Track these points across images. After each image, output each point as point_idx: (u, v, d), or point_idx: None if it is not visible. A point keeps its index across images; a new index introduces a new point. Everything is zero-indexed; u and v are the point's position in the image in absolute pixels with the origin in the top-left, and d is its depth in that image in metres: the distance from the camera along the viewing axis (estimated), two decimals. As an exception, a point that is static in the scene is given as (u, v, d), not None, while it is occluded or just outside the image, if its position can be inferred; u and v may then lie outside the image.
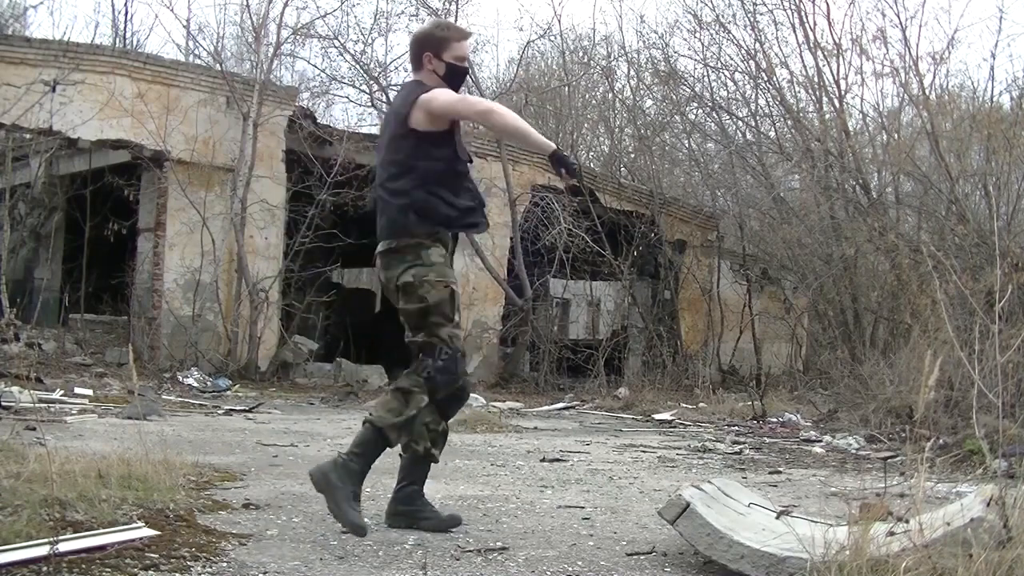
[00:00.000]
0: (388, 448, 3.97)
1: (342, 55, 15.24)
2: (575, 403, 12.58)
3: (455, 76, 4.05)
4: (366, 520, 4.09)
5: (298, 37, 15.08)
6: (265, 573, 3.19)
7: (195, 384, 11.52)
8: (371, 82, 15.13)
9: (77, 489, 3.82)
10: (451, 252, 4.17)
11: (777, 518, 3.67)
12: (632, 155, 19.99)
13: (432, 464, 4.08)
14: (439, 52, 4.01)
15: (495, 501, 4.72)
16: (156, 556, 3.25)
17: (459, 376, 3.99)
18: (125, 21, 28.06)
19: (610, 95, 19.69)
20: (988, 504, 3.01)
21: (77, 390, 9.71)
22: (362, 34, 15.80)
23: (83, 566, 3.06)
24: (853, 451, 7.90)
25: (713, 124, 16.61)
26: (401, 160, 3.98)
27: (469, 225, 4.17)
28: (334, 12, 17.17)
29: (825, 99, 13.57)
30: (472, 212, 4.05)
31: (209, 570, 3.18)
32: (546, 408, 12.03)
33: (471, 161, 4.12)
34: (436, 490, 5.04)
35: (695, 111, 17.16)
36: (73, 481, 3.91)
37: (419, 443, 4.00)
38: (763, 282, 17.36)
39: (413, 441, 4.00)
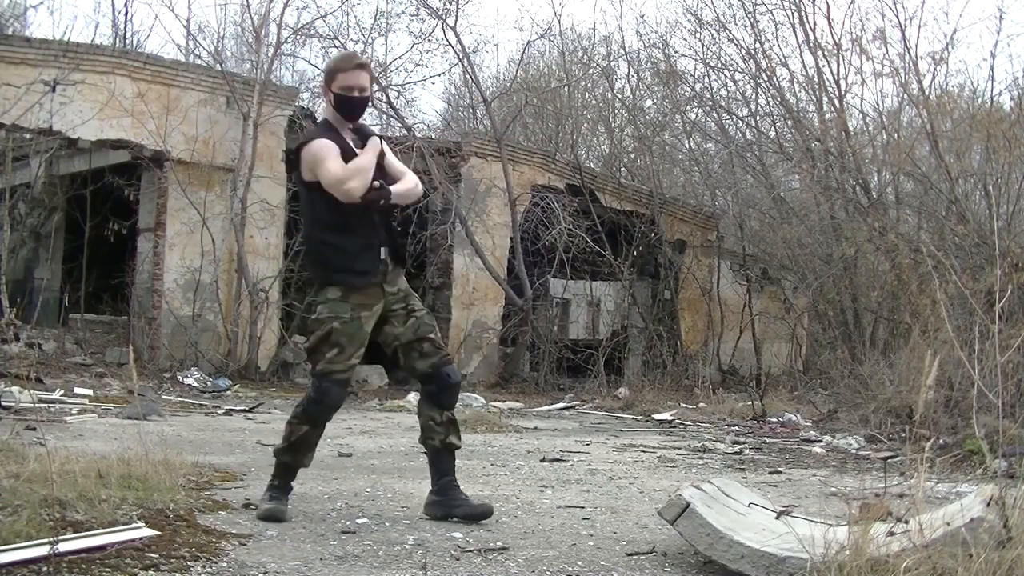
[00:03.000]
0: (288, 466, 4.24)
1: (342, 55, 15.21)
2: (575, 403, 12.58)
3: (343, 105, 4.21)
4: (365, 520, 4.14)
5: (298, 37, 15.08)
6: (265, 573, 3.19)
7: (195, 384, 11.52)
8: (371, 82, 15.11)
9: (77, 489, 3.82)
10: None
11: (777, 518, 3.67)
12: (632, 155, 19.98)
13: (456, 451, 4.30)
14: (328, 83, 4.25)
15: (495, 501, 4.72)
16: (156, 556, 3.25)
17: (327, 406, 4.19)
18: (125, 21, 28.04)
19: (610, 95, 19.69)
20: (988, 504, 3.01)
21: (77, 390, 9.71)
22: (362, 34, 15.79)
23: (83, 566, 3.06)
24: (853, 451, 7.91)
25: (713, 124, 16.61)
26: (301, 210, 4.41)
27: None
28: (334, 12, 17.22)
29: (825, 99, 13.58)
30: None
31: (209, 570, 3.18)
32: (546, 408, 12.02)
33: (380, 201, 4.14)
34: (436, 490, 5.05)
35: (695, 111, 17.17)
36: (73, 481, 3.91)
37: (433, 438, 4.27)
38: (763, 282, 17.36)
39: (428, 439, 4.28)
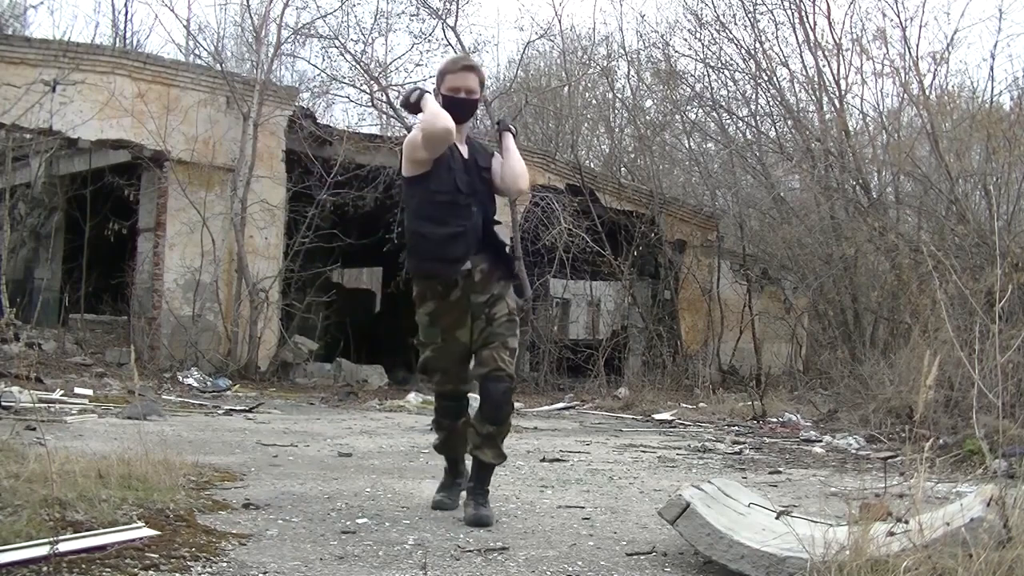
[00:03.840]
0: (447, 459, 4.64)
1: (342, 55, 15.24)
2: (575, 403, 12.58)
3: (449, 107, 4.15)
4: (365, 520, 4.14)
5: (298, 37, 15.09)
6: (265, 573, 3.19)
7: (195, 384, 11.52)
8: (371, 82, 15.13)
9: (77, 489, 3.82)
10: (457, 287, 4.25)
11: (777, 518, 3.67)
12: (632, 155, 19.99)
13: (491, 465, 4.34)
14: (438, 85, 4.26)
15: (495, 501, 4.71)
16: (156, 556, 3.25)
17: (451, 416, 4.49)
18: (125, 21, 28.10)
19: (610, 95, 19.70)
20: (988, 504, 3.01)
21: (77, 390, 9.71)
22: (362, 34, 15.79)
23: (83, 566, 3.06)
24: (853, 451, 7.90)
25: (713, 124, 16.61)
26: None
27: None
28: (334, 12, 17.20)
29: (825, 99, 13.58)
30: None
31: (209, 570, 3.18)
32: (546, 408, 12.02)
33: (462, 192, 4.17)
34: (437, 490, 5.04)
35: (695, 111, 17.17)
36: (73, 481, 3.91)
37: (470, 442, 4.36)
38: (763, 282, 17.36)
39: (468, 441, 4.41)
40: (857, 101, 18.33)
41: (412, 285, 4.37)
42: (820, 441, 8.58)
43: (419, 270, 4.28)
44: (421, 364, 4.43)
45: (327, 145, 14.04)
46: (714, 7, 15.09)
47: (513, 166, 4.33)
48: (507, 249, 4.45)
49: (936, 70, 12.67)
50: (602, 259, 15.38)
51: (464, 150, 4.26)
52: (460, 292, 4.18)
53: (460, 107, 4.19)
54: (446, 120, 4.00)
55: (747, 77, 15.28)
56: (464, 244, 4.14)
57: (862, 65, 16.72)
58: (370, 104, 16.09)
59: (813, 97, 14.07)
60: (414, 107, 4.12)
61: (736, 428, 9.99)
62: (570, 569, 3.44)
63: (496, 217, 4.40)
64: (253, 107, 13.17)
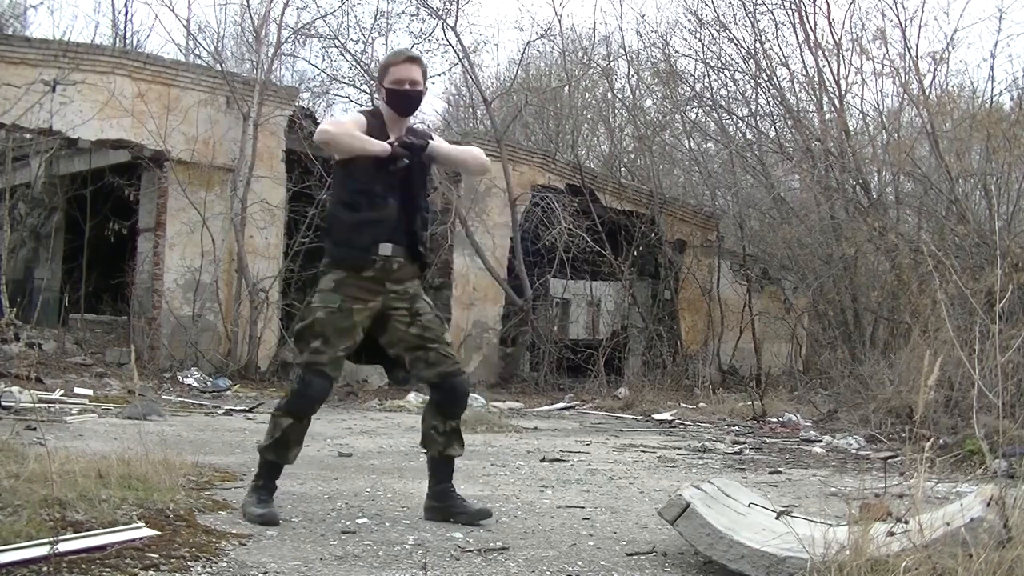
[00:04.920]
0: (273, 465, 4.16)
1: (342, 55, 15.26)
2: (575, 403, 12.58)
3: (393, 99, 4.16)
4: (365, 520, 4.14)
5: (298, 37, 15.11)
6: (265, 573, 3.19)
7: (195, 384, 11.52)
8: (371, 82, 15.12)
9: (77, 489, 3.82)
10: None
11: (777, 518, 3.67)
12: (632, 155, 19.98)
13: (455, 458, 4.28)
14: (381, 79, 4.22)
15: (495, 501, 4.72)
16: (156, 556, 3.25)
17: (310, 398, 4.09)
18: (125, 21, 28.08)
19: (610, 95, 19.69)
20: (988, 504, 3.01)
21: (77, 390, 9.71)
22: (362, 34, 15.86)
23: (83, 566, 3.06)
24: (853, 451, 7.91)
25: (713, 124, 16.61)
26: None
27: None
28: (334, 12, 17.20)
29: (825, 99, 13.57)
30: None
31: (209, 570, 3.18)
32: (546, 408, 12.02)
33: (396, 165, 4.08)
34: (436, 490, 5.05)
35: (695, 111, 17.17)
36: (73, 481, 3.90)
37: (431, 448, 4.25)
38: (763, 282, 17.36)
39: (427, 447, 4.28)
40: (857, 101, 18.34)
41: (323, 266, 4.22)
42: (820, 441, 8.58)
43: (330, 254, 4.18)
44: (301, 327, 4.12)
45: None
46: (714, 7, 15.11)
47: (460, 153, 4.40)
48: (424, 246, 4.26)
49: (936, 70, 12.68)
50: (602, 259, 15.38)
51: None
52: (373, 274, 4.09)
53: (405, 99, 4.17)
54: (349, 142, 3.98)
55: (747, 77, 15.29)
56: (372, 234, 4.08)
57: (862, 65, 16.76)
58: (370, 104, 16.08)
59: (813, 97, 14.08)
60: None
61: (736, 428, 9.99)
62: (570, 569, 3.44)
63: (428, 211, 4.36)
64: (253, 107, 13.17)
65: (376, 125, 4.14)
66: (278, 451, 4.11)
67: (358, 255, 4.09)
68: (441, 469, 4.25)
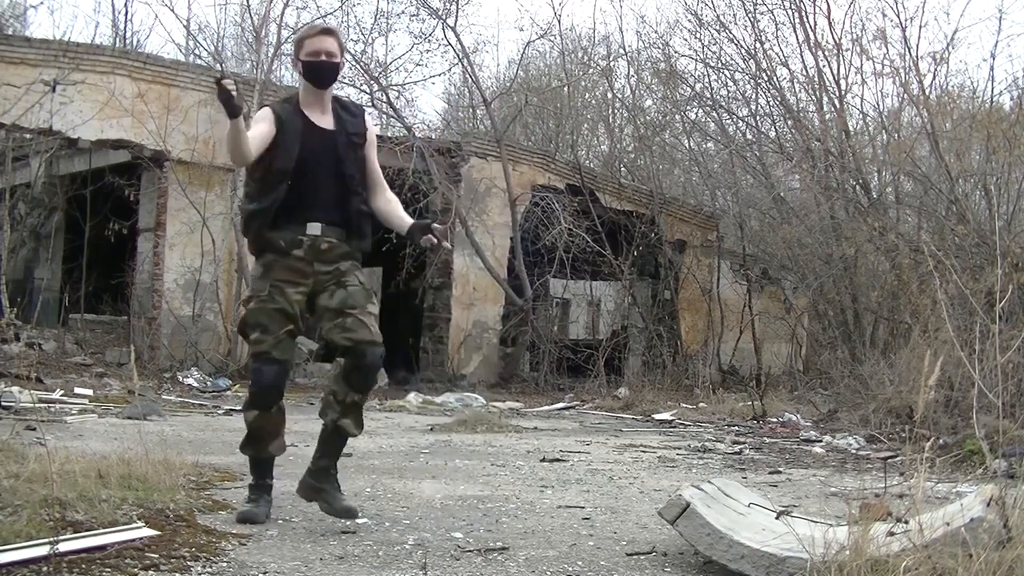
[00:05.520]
0: (255, 460, 4.17)
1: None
2: (575, 403, 12.58)
3: (309, 72, 4.08)
4: (365, 520, 4.14)
5: (298, 37, 15.07)
6: (265, 573, 3.19)
7: (195, 384, 11.52)
8: (371, 82, 15.13)
9: (77, 489, 3.82)
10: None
11: (777, 518, 3.67)
12: (632, 155, 19.98)
13: (348, 437, 4.11)
14: (297, 54, 4.13)
15: (495, 501, 4.72)
16: (156, 556, 3.25)
17: (266, 386, 4.05)
18: (125, 21, 28.09)
19: (610, 95, 19.70)
20: (988, 504, 3.01)
21: (77, 390, 9.71)
22: (362, 34, 15.79)
23: (83, 566, 3.06)
24: (853, 451, 7.90)
25: (713, 124, 16.61)
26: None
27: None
28: (334, 12, 17.16)
29: (825, 99, 13.58)
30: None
31: (209, 570, 3.18)
32: (546, 408, 12.02)
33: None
34: (436, 490, 5.05)
35: (695, 111, 17.16)
36: (73, 481, 3.90)
37: (327, 415, 4.07)
38: (763, 282, 17.35)
39: (323, 414, 4.11)
40: (857, 101, 18.32)
41: (251, 247, 4.21)
42: (820, 441, 8.58)
43: (254, 242, 4.14)
44: (240, 320, 4.13)
45: (327, 145, 14.02)
46: (714, 7, 15.11)
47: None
48: (367, 228, 4.17)
49: (936, 70, 12.69)
50: (602, 259, 15.38)
51: (323, 119, 4.12)
52: (302, 253, 4.04)
53: (319, 71, 4.09)
54: (231, 152, 3.93)
55: (747, 77, 15.29)
56: (297, 216, 4.02)
57: (862, 65, 16.71)
58: (370, 104, 16.07)
59: (813, 97, 14.08)
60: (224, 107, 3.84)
61: (736, 428, 9.98)
62: (570, 569, 3.44)
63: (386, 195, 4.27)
64: (253, 107, 13.15)
65: (288, 109, 4.10)
66: (254, 446, 4.10)
67: (281, 236, 4.06)
68: (330, 443, 4.09)
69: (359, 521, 4.10)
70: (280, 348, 4.01)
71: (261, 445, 4.10)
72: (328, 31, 4.18)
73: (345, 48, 4.20)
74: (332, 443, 4.11)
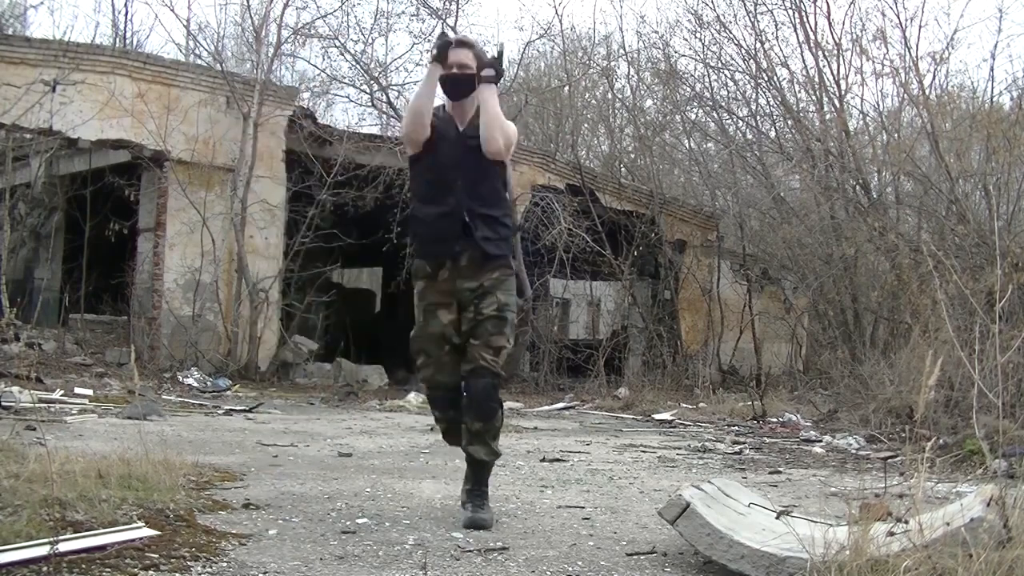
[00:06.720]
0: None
1: (342, 55, 15.24)
2: (575, 403, 12.58)
3: (445, 85, 4.20)
4: (365, 520, 4.14)
5: (298, 37, 15.08)
6: (265, 573, 3.19)
7: (195, 384, 11.52)
8: (371, 82, 15.14)
9: (77, 489, 3.82)
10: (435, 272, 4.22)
11: (777, 518, 3.67)
12: (632, 155, 19.99)
13: (481, 464, 4.31)
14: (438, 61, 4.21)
15: (495, 501, 4.71)
16: (156, 556, 3.25)
17: (436, 412, 4.44)
18: (125, 21, 28.12)
19: (610, 95, 19.70)
20: (988, 504, 3.01)
21: (77, 390, 9.71)
22: (362, 34, 15.81)
23: (83, 566, 3.06)
24: (853, 451, 7.90)
25: (713, 124, 16.61)
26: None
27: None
28: (334, 12, 17.17)
29: (825, 99, 13.57)
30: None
31: (209, 570, 3.18)
32: (546, 408, 12.02)
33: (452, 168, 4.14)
34: (436, 490, 5.05)
35: (695, 111, 17.17)
36: (73, 481, 3.90)
37: (462, 441, 4.34)
38: (763, 282, 17.35)
39: (462, 439, 4.37)
40: (857, 101, 18.36)
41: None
42: (820, 441, 8.58)
43: (417, 253, 4.31)
44: (410, 345, 4.33)
45: (327, 145, 14.04)
46: (714, 7, 15.11)
47: (485, 122, 4.12)
48: (505, 236, 4.22)
49: (936, 70, 12.68)
50: (602, 259, 15.38)
51: (462, 126, 4.22)
52: (447, 274, 4.13)
53: (452, 83, 4.18)
54: (415, 99, 4.13)
55: (747, 77, 15.30)
56: (450, 224, 4.11)
57: (862, 65, 16.72)
58: (370, 104, 16.09)
59: (813, 97, 14.08)
60: (434, 58, 4.13)
61: (736, 428, 9.99)
62: (570, 569, 3.43)
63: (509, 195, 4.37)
64: (253, 107, 13.17)
65: (443, 117, 4.24)
66: (453, 442, 4.48)
67: (440, 247, 4.19)
68: (469, 466, 4.28)
69: (359, 521, 4.10)
70: (442, 367, 4.26)
71: (457, 443, 4.36)
72: (464, 43, 4.23)
73: (482, 57, 4.20)
74: (469, 466, 4.29)
